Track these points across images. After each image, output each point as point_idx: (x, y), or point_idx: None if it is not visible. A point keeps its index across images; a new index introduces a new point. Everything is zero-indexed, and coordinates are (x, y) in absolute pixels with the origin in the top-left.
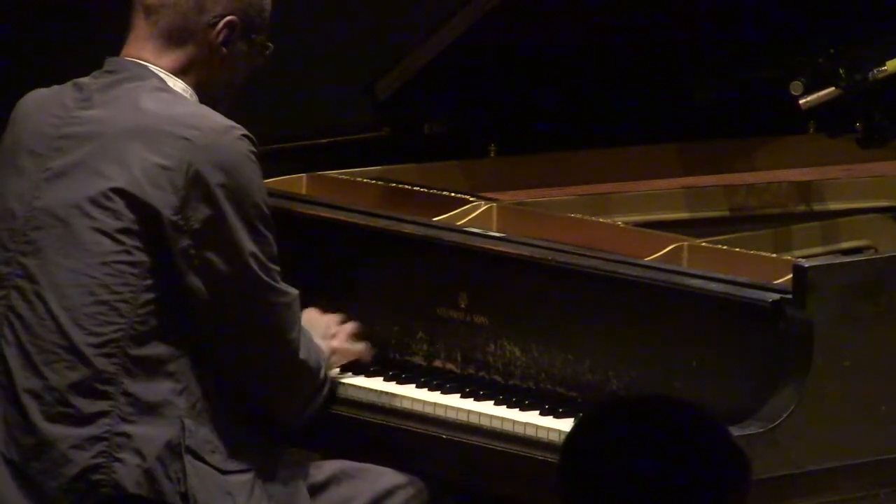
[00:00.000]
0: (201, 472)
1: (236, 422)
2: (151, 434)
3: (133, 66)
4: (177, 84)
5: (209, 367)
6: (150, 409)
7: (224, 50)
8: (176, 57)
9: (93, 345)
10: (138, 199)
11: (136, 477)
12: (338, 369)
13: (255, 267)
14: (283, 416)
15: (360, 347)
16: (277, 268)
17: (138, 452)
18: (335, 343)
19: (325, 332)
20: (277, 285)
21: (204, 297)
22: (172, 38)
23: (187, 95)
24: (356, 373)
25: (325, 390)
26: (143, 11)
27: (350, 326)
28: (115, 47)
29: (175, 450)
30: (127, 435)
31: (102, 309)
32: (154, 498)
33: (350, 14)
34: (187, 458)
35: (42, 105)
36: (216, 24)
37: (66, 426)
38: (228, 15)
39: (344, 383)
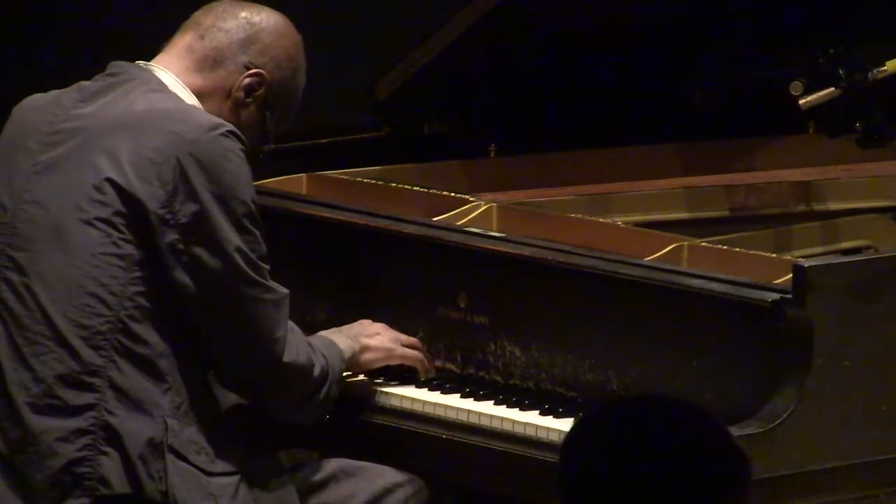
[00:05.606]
0: (184, 472)
1: (224, 423)
2: (135, 430)
3: (135, 69)
4: (190, 98)
5: (197, 367)
6: (135, 405)
7: (242, 95)
8: (200, 80)
9: (80, 336)
10: (126, 191)
11: (119, 472)
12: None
13: (242, 262)
14: (277, 414)
15: (410, 353)
16: (266, 265)
17: (122, 447)
18: (371, 341)
19: (360, 330)
20: (265, 282)
21: (191, 292)
22: (207, 60)
23: (195, 102)
24: (356, 373)
25: (327, 390)
26: (195, 30)
27: (407, 337)
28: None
29: (157, 448)
30: (112, 429)
31: (90, 301)
32: (137, 495)
33: (350, 14)
34: (170, 458)
35: (42, 106)
36: (250, 68)
37: (52, 418)
38: (265, 71)
39: (345, 382)
